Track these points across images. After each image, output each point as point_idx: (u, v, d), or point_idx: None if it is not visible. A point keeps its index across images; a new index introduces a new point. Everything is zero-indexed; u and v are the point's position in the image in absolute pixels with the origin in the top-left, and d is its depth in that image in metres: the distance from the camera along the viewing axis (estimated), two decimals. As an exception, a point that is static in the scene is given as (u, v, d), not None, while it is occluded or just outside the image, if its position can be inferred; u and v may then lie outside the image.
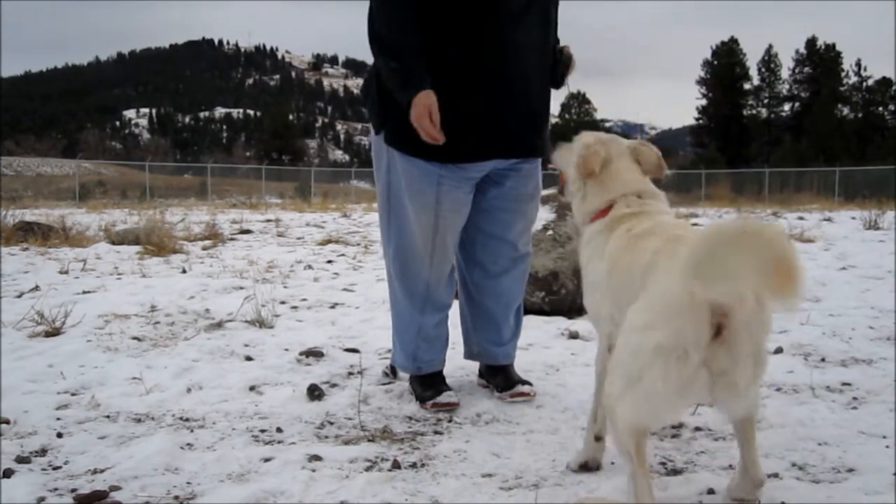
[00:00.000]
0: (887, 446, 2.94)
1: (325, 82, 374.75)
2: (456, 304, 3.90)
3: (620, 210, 2.68)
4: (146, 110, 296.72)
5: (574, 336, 4.94)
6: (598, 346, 2.79)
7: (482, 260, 3.71)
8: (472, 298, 3.81)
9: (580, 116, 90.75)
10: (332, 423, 3.31)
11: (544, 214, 6.07)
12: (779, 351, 4.49)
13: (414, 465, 2.82)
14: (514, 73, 3.34)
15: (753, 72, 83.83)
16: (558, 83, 3.63)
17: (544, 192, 6.46)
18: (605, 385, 2.31)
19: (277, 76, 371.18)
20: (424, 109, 3.17)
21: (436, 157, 3.35)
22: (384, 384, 3.92)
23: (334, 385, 3.90)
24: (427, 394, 3.56)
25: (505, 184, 3.57)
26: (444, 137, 3.21)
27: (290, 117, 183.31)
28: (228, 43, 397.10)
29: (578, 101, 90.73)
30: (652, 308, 2.18)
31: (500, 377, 3.75)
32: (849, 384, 3.82)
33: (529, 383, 3.70)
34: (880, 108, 77.78)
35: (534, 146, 3.55)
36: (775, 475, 2.67)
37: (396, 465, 2.80)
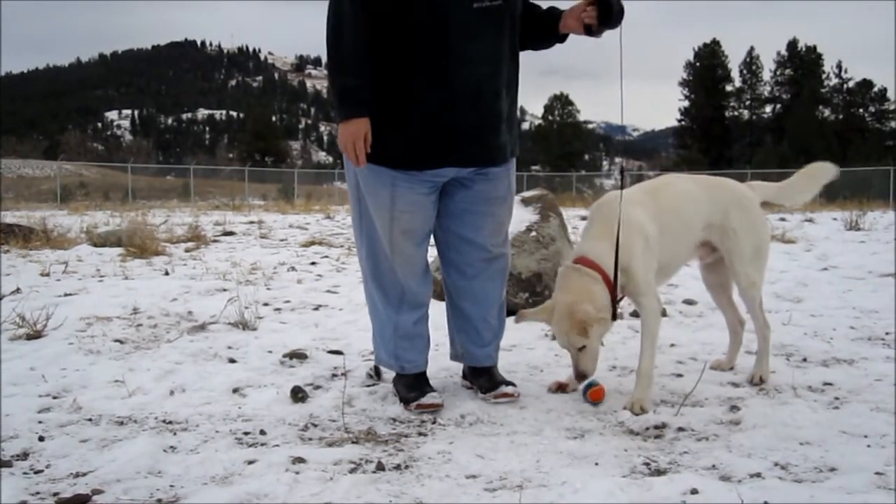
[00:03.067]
0: (869, 445, 2.96)
1: (309, 83, 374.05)
2: (441, 306, 3.91)
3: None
4: (128, 112, 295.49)
5: (558, 337, 4.94)
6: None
7: (456, 262, 3.73)
8: (451, 300, 3.84)
9: (563, 118, 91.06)
10: (315, 425, 3.31)
11: (528, 216, 6.08)
12: (761, 351, 4.52)
13: (398, 467, 2.82)
14: (461, 84, 3.34)
15: (735, 73, 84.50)
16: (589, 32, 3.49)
17: (528, 194, 6.48)
18: (752, 277, 3.89)
19: (260, 77, 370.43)
20: (350, 137, 3.33)
21: (385, 163, 3.42)
22: (368, 386, 3.92)
23: (318, 387, 3.90)
24: (411, 395, 3.56)
25: (473, 187, 3.58)
26: (365, 163, 3.37)
27: (273, 119, 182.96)
28: (211, 44, 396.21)
29: (561, 102, 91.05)
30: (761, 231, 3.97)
31: (483, 378, 3.75)
32: (830, 384, 3.85)
33: (513, 384, 3.70)
34: (860, 110, 78.42)
35: (486, 156, 3.52)
36: (758, 475, 2.68)
37: (381, 467, 2.79)
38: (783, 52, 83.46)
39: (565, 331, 3.44)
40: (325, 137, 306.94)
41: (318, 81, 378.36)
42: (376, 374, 4.06)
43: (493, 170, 3.59)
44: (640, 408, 3.43)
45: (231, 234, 14.26)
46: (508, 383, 3.70)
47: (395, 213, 3.48)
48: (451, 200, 3.62)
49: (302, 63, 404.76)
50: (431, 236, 3.73)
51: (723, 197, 3.88)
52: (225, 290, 6.78)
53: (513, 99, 3.59)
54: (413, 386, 3.63)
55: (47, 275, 7.72)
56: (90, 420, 3.35)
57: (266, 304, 6.14)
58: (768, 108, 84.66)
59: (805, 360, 4.37)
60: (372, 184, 3.49)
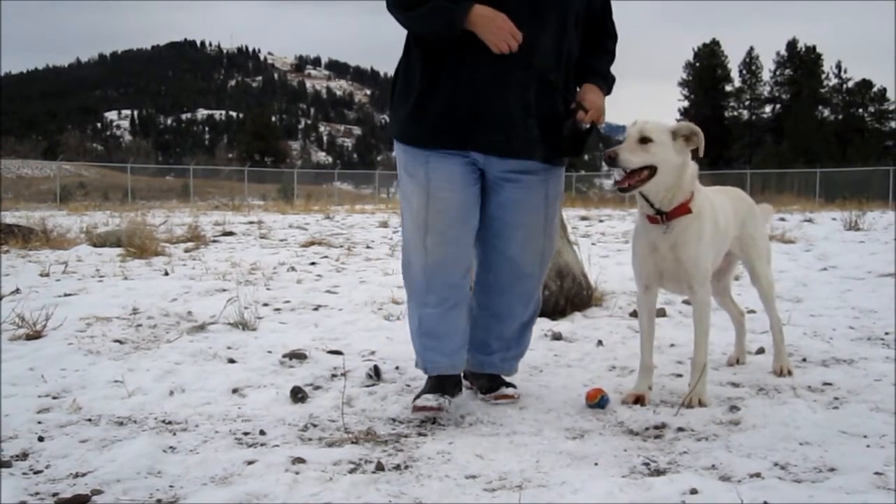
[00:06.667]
0: (868, 445, 2.96)
1: (308, 84, 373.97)
2: None
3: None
4: (128, 112, 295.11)
5: (557, 337, 4.95)
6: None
7: (484, 279, 3.63)
8: (472, 314, 3.67)
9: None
10: (315, 426, 3.31)
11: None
12: (760, 351, 4.53)
13: (398, 467, 2.82)
14: (489, 67, 3.23)
15: (735, 74, 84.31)
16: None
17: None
18: (770, 278, 4.17)
19: (260, 78, 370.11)
20: (493, 16, 3.15)
21: (412, 143, 3.38)
22: (368, 386, 3.92)
23: (318, 387, 3.90)
24: (418, 394, 3.48)
25: (501, 193, 3.46)
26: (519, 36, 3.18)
27: (273, 119, 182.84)
28: (211, 44, 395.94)
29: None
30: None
31: (483, 379, 3.74)
32: (830, 384, 3.85)
33: (513, 385, 3.70)
34: (860, 110, 78.34)
35: (507, 146, 3.33)
36: (757, 475, 2.68)
37: (380, 467, 2.79)
38: (783, 52, 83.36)
39: (650, 120, 3.40)
40: (325, 138, 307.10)
41: (317, 82, 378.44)
42: (376, 375, 4.06)
43: (526, 177, 3.42)
44: (698, 401, 3.47)
45: (231, 234, 14.27)
46: (508, 385, 3.69)
47: (431, 189, 3.36)
48: (489, 205, 3.50)
49: (301, 63, 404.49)
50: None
51: (741, 207, 4.03)
52: (224, 290, 6.78)
53: (553, 99, 3.40)
54: (433, 389, 3.46)
55: (47, 275, 7.73)
56: (90, 420, 3.34)
57: (266, 305, 6.14)
58: (768, 108, 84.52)
59: (804, 360, 4.37)
60: (410, 165, 3.42)
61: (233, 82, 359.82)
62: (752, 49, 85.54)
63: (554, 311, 5.67)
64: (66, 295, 6.49)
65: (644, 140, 3.34)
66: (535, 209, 3.51)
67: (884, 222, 15.82)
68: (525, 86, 3.30)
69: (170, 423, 3.33)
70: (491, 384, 3.68)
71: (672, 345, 4.73)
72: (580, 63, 3.50)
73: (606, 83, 3.54)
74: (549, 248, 3.65)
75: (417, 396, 3.45)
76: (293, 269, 8.69)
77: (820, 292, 6.74)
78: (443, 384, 3.49)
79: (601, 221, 19.76)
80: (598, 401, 3.50)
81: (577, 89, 3.49)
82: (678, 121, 3.65)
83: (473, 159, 3.39)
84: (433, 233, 3.39)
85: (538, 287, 3.71)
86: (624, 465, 2.81)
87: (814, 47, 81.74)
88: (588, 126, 3.39)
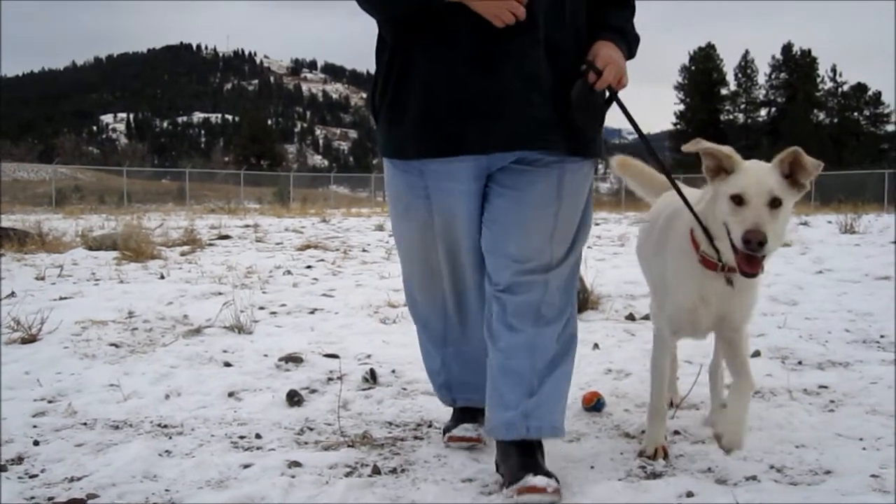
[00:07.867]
0: (864, 448, 2.96)
1: (304, 87, 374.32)
2: None
3: None
4: (124, 115, 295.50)
5: (554, 340, 4.93)
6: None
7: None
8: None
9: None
10: (311, 429, 3.30)
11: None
12: (756, 354, 4.52)
13: (394, 471, 2.81)
14: (475, 39, 2.50)
15: (730, 77, 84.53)
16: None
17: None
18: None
19: (256, 81, 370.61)
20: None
21: (399, 155, 2.73)
22: (364, 389, 3.91)
23: (314, 391, 3.89)
24: (449, 424, 3.13)
25: (497, 199, 2.72)
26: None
27: (269, 122, 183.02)
28: (206, 48, 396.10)
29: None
30: None
31: (511, 459, 2.93)
32: (826, 387, 3.85)
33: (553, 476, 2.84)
34: (855, 114, 78.64)
35: (511, 135, 2.55)
36: (753, 478, 2.68)
37: (376, 471, 2.79)
38: (778, 55, 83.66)
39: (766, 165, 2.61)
40: (321, 141, 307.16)
41: (313, 85, 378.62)
42: (372, 378, 4.06)
43: (530, 170, 2.65)
44: (738, 444, 2.69)
45: (226, 237, 14.25)
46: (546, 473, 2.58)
47: (435, 226, 2.80)
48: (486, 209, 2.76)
49: (297, 67, 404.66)
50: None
51: None
52: (220, 293, 6.77)
53: (567, 68, 2.58)
54: (465, 419, 3.09)
55: (42, 278, 7.72)
56: (85, 424, 3.33)
57: (262, 308, 6.13)
58: (763, 112, 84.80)
59: (800, 363, 4.37)
60: (406, 195, 2.81)
61: (229, 85, 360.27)
62: (747, 52, 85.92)
63: (550, 314, 5.66)
64: (61, 298, 6.48)
65: (775, 203, 2.52)
66: (536, 205, 2.67)
67: (879, 225, 15.86)
68: (525, 54, 2.53)
69: (165, 426, 3.32)
70: (514, 468, 2.62)
71: (668, 348, 4.73)
72: (589, 20, 2.68)
73: (626, 41, 2.69)
74: (566, 254, 2.76)
75: (449, 428, 3.08)
76: (289, 272, 8.69)
77: (816, 295, 6.74)
78: (474, 413, 3.09)
79: (597, 224, 19.75)
80: (594, 404, 3.50)
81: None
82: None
83: (481, 168, 2.68)
84: (442, 277, 2.94)
85: (562, 313, 2.77)
86: (620, 468, 2.81)
87: (809, 51, 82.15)
88: (605, 92, 2.63)
